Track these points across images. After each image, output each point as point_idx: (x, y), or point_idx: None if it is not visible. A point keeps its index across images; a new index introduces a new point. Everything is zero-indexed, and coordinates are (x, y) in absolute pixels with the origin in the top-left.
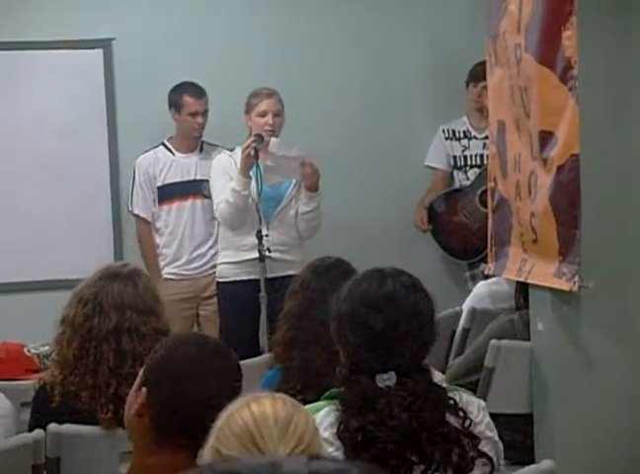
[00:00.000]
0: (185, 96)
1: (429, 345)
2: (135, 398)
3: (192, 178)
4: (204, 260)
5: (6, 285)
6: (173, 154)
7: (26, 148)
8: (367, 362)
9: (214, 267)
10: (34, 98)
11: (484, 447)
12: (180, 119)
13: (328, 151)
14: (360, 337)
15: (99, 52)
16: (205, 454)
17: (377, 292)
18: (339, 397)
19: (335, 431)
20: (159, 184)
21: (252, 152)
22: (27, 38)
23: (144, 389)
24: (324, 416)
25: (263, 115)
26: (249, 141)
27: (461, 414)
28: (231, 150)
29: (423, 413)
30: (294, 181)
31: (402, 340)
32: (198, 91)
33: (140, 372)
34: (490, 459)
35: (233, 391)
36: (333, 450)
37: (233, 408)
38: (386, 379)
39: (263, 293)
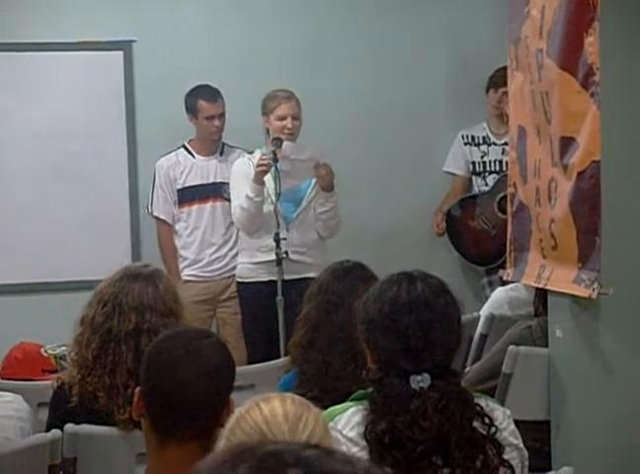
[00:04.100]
0: (200, 100)
1: (457, 347)
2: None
3: (211, 181)
4: (224, 262)
5: (23, 286)
6: (193, 157)
7: (45, 149)
8: (399, 364)
9: (233, 269)
10: (54, 99)
11: (509, 454)
12: (197, 124)
13: (348, 157)
14: (391, 339)
15: (119, 54)
16: None
17: (408, 295)
18: (368, 398)
19: (361, 430)
20: (179, 186)
21: (271, 163)
22: (47, 39)
23: (138, 389)
24: (350, 415)
25: (282, 118)
26: (264, 160)
27: (487, 420)
28: (250, 153)
29: (454, 416)
30: (313, 182)
31: (433, 342)
32: (213, 94)
33: None
34: (512, 467)
35: (224, 383)
36: (358, 450)
37: (242, 409)
38: (420, 381)
39: (280, 297)
